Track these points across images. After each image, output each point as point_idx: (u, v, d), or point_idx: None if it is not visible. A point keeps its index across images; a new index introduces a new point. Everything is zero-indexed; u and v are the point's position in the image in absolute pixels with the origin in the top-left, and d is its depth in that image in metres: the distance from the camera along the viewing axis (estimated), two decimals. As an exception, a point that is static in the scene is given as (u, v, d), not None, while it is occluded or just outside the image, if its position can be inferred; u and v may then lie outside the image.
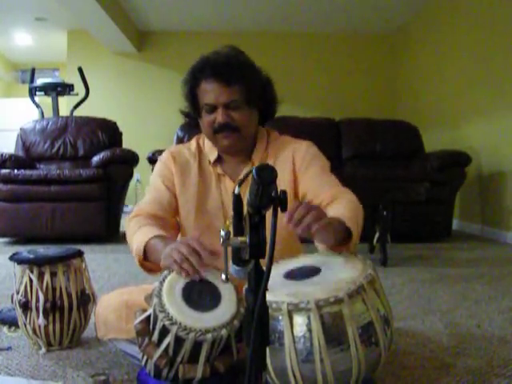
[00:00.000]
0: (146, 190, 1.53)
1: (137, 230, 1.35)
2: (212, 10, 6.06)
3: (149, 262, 1.31)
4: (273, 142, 1.49)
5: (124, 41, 6.23)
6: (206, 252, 1.12)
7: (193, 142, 1.53)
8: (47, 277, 1.57)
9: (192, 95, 1.40)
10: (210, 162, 1.47)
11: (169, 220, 1.45)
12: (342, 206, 1.25)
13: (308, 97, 6.57)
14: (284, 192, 0.78)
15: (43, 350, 1.58)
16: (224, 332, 1.07)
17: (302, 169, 1.42)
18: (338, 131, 4.66)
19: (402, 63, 6.59)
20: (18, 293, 1.59)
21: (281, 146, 1.47)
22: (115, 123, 4.70)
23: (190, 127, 4.15)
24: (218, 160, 1.47)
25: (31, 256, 1.59)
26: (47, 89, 5.55)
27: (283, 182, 1.40)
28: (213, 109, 1.36)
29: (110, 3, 5.38)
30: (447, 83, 5.24)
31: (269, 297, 0.82)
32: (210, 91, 1.35)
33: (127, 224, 1.42)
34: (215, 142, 1.43)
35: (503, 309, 2.10)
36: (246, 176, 0.84)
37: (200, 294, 1.12)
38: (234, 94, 1.34)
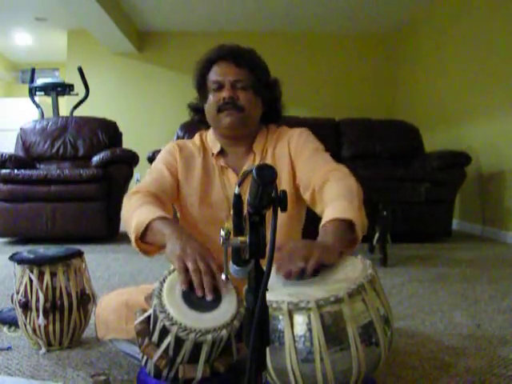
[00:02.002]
0: (147, 172, 1.49)
1: (138, 206, 1.29)
2: (212, 10, 6.06)
3: (145, 241, 1.26)
4: (271, 133, 1.52)
5: (124, 41, 6.22)
6: (219, 275, 1.10)
7: (196, 137, 1.55)
8: (47, 277, 1.57)
9: (203, 81, 1.44)
10: (213, 154, 1.48)
11: (166, 203, 1.42)
12: (334, 192, 1.25)
13: (308, 97, 6.56)
14: (284, 192, 0.78)
15: (43, 349, 1.58)
16: (224, 332, 1.07)
17: (296, 154, 1.45)
18: (338, 131, 4.66)
19: (402, 63, 6.59)
20: (17, 293, 1.59)
21: (278, 136, 1.50)
22: (115, 123, 4.70)
23: (192, 125, 4.20)
24: (221, 153, 1.49)
25: (31, 256, 1.59)
26: (47, 89, 5.55)
27: (283, 172, 1.43)
28: (220, 87, 1.40)
29: (110, 3, 5.38)
30: (447, 83, 5.24)
31: (269, 296, 0.82)
32: (219, 70, 1.41)
33: (126, 200, 1.37)
34: (217, 123, 1.43)
35: (503, 309, 2.10)
36: (246, 176, 0.84)
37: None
38: (241, 74, 1.40)
